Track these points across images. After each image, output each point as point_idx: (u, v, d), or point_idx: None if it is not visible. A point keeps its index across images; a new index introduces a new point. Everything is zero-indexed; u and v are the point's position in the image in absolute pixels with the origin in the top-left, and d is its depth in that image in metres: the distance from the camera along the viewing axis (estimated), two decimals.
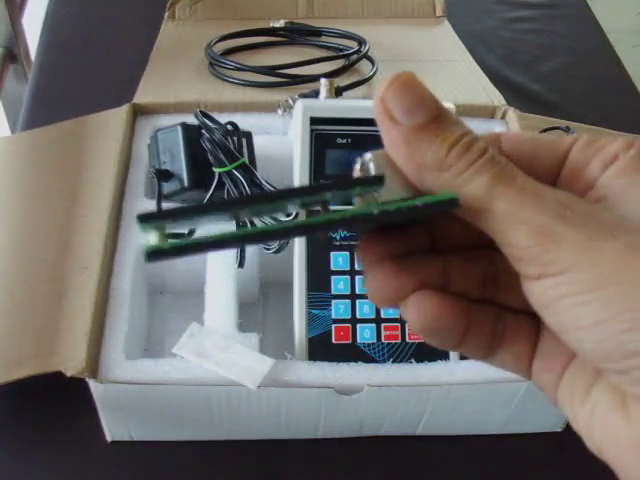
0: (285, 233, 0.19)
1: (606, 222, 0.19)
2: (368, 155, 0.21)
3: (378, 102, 0.20)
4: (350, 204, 0.21)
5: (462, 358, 0.47)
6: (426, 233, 0.23)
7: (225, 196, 0.52)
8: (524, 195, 0.19)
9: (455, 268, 0.23)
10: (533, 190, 0.19)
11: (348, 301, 0.48)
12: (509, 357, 0.23)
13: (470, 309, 0.22)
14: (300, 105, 0.49)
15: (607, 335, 0.18)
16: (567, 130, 0.58)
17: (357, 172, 0.22)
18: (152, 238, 0.19)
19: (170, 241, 0.18)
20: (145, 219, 0.18)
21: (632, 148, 0.20)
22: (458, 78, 0.72)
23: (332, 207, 0.20)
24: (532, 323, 0.23)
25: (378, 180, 0.20)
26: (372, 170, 0.21)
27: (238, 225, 0.41)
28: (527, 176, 0.20)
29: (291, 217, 0.44)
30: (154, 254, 0.18)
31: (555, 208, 0.19)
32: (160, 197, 0.51)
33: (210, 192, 0.51)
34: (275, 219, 0.45)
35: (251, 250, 0.51)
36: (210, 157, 0.51)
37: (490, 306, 0.23)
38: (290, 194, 0.19)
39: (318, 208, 0.20)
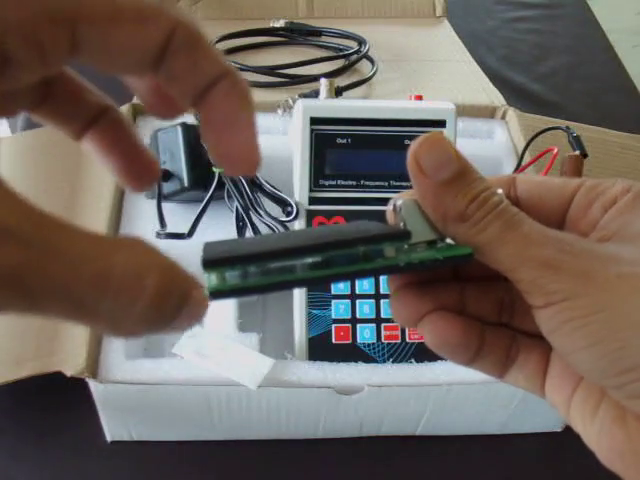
0: (324, 280, 0.22)
1: (601, 255, 0.21)
2: (400, 200, 0.24)
3: (411, 158, 0.23)
4: None
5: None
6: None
7: (225, 197, 0.52)
8: (529, 238, 0.22)
9: (473, 295, 0.25)
10: (537, 233, 0.22)
11: (348, 301, 0.48)
12: (522, 376, 0.25)
13: (484, 330, 0.25)
14: (300, 105, 0.49)
15: (603, 354, 0.20)
16: (567, 130, 0.58)
17: (390, 212, 0.24)
18: (213, 279, 0.21)
19: (229, 283, 0.21)
20: (210, 265, 0.21)
21: (629, 192, 0.23)
22: (458, 78, 0.72)
23: None
24: (544, 347, 0.24)
25: (405, 235, 0.23)
26: (403, 214, 0.24)
27: None
28: (533, 221, 0.22)
29: None
30: (216, 294, 0.21)
31: (556, 246, 0.21)
32: (160, 197, 0.51)
33: (210, 192, 0.51)
34: None
35: None
36: (210, 157, 0.51)
37: (506, 329, 0.25)
38: (331, 247, 0.22)
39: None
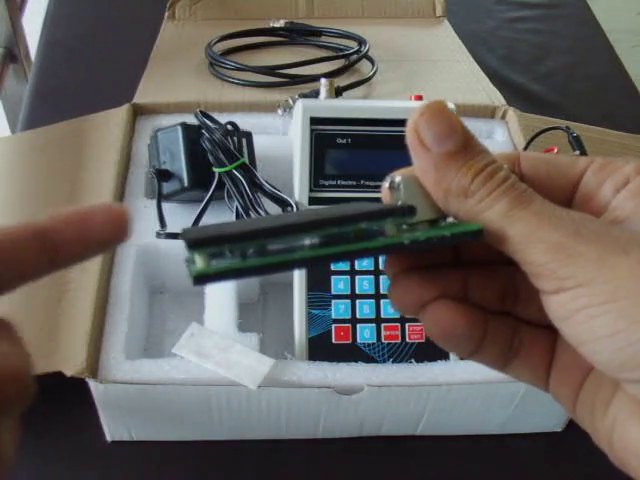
0: (323, 260, 0.20)
1: (618, 239, 0.19)
2: (398, 177, 0.22)
3: (411, 129, 0.21)
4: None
5: (462, 358, 0.47)
6: (450, 248, 0.24)
7: (225, 197, 0.52)
8: (540, 217, 0.20)
9: (475, 281, 0.24)
10: (549, 212, 0.20)
11: (348, 301, 0.48)
12: (525, 369, 0.24)
13: (487, 320, 0.23)
14: (300, 105, 0.49)
15: (622, 345, 0.19)
16: (567, 130, 0.58)
17: (386, 191, 0.23)
18: (198, 262, 0.19)
19: (214, 266, 0.19)
20: (194, 245, 0.19)
21: None
22: (458, 78, 0.72)
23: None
24: (549, 336, 0.23)
25: (410, 211, 0.21)
26: (402, 191, 0.22)
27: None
28: (544, 199, 0.21)
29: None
30: (201, 278, 0.19)
31: (570, 227, 0.20)
32: (160, 197, 0.51)
33: (210, 192, 0.51)
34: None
35: None
36: (210, 157, 0.51)
37: (508, 318, 0.24)
38: (329, 223, 0.20)
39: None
